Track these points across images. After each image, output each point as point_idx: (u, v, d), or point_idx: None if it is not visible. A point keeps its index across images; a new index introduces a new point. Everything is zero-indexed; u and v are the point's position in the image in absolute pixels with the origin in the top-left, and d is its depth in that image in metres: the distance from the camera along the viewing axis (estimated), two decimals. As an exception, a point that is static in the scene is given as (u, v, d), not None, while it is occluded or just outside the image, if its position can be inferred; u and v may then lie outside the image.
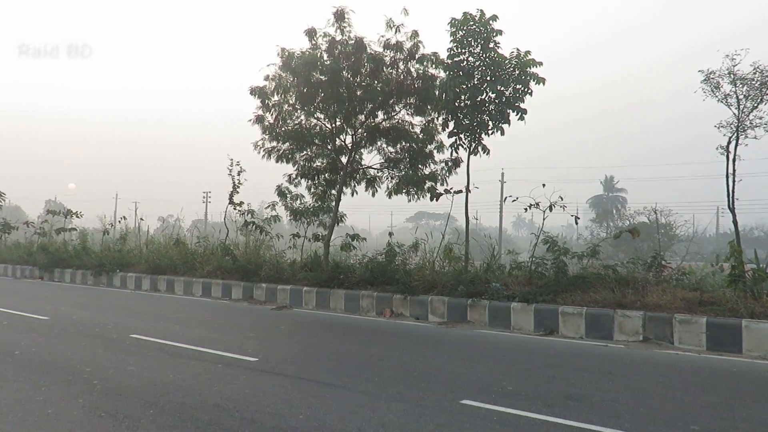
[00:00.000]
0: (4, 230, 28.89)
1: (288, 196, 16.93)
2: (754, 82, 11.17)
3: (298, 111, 15.91)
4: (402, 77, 14.86)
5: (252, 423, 5.26)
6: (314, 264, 15.88)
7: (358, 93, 15.01)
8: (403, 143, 15.78)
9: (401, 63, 14.95)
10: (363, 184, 16.77)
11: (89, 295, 17.19)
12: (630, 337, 10.03)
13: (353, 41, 14.71)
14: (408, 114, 15.71)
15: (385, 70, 14.91)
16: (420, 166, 15.70)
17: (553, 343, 9.92)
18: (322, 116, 15.93)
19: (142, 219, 26.03)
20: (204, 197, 72.43)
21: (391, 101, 15.23)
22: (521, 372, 7.69)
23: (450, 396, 6.25)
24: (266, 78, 15.63)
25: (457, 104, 13.66)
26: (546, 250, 12.51)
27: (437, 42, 15.32)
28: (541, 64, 13.03)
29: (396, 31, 14.68)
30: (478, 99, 13.36)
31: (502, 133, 13.59)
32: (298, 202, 16.90)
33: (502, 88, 13.21)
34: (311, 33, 15.05)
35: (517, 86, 13.21)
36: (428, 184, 15.52)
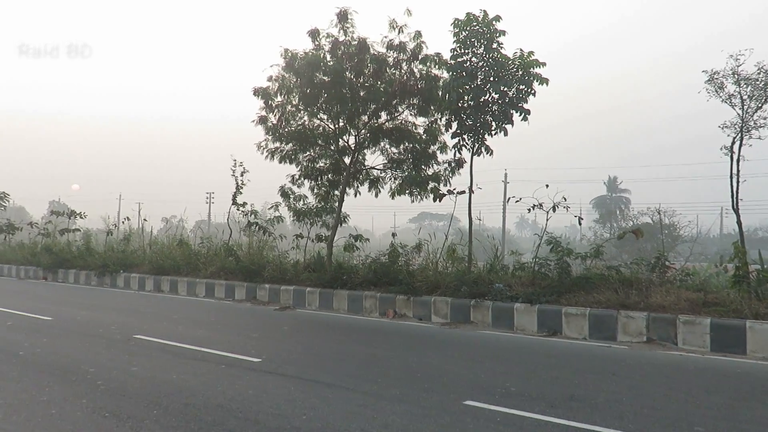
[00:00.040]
0: (8, 231, 28.97)
1: (291, 196, 16.92)
2: (758, 83, 11.16)
3: (302, 112, 15.93)
4: (405, 78, 14.87)
5: (255, 423, 5.26)
6: (317, 265, 15.89)
7: (362, 94, 15.02)
8: (406, 144, 15.78)
9: (404, 63, 14.96)
10: (366, 185, 16.78)
11: (93, 295, 17.23)
12: (634, 338, 10.01)
13: (356, 42, 14.72)
14: (411, 115, 15.72)
15: (388, 70, 14.92)
16: (423, 166, 15.69)
17: (557, 344, 9.90)
18: (325, 117, 15.94)
19: (145, 220, 26.07)
20: (207, 198, 72.59)
21: (394, 102, 15.25)
22: (524, 373, 7.68)
23: (453, 397, 6.25)
24: (269, 79, 15.66)
25: (460, 105, 13.65)
26: (549, 250, 12.49)
27: (440, 42, 15.34)
28: (544, 64, 13.03)
29: (399, 32, 14.69)
30: (481, 100, 13.36)
31: (506, 134, 13.58)
32: (302, 202, 16.89)
33: (506, 89, 13.20)
34: (314, 34, 15.06)
35: (521, 87, 13.20)
36: (431, 184, 15.51)
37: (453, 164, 15.47)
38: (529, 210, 12.91)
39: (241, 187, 18.71)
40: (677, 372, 7.85)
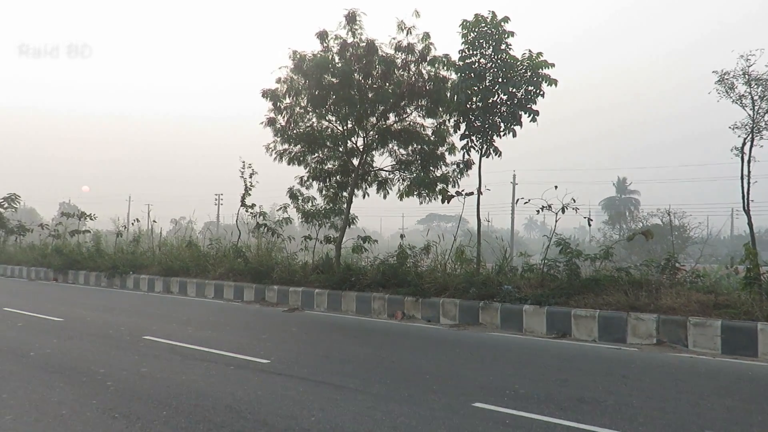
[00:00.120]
0: (19, 232, 29.24)
1: (300, 198, 16.98)
2: (769, 83, 11.07)
3: (310, 113, 15.97)
4: (413, 79, 14.87)
5: (264, 425, 5.27)
6: (326, 266, 15.91)
7: (370, 95, 15.03)
8: (415, 145, 15.77)
9: (413, 65, 14.96)
10: (374, 186, 16.79)
11: (102, 296, 17.33)
12: (643, 340, 9.94)
13: (365, 43, 14.74)
14: (419, 116, 15.71)
15: (396, 72, 14.93)
16: (431, 168, 15.68)
17: (566, 346, 9.86)
18: (333, 118, 15.96)
19: (154, 221, 26.17)
20: (216, 199, 72.84)
21: (403, 103, 15.25)
22: (534, 375, 7.65)
23: (462, 398, 6.23)
24: (278, 80, 15.71)
25: (468, 106, 13.63)
26: (558, 252, 12.45)
27: (449, 44, 15.31)
28: (553, 65, 12.99)
29: (407, 33, 14.70)
30: (490, 101, 13.34)
31: (514, 135, 13.55)
32: (310, 204, 16.94)
33: (514, 90, 13.18)
34: (323, 35, 15.10)
35: (529, 88, 13.16)
36: (440, 186, 15.48)
37: (461, 166, 15.43)
38: (538, 211, 12.87)
39: (250, 189, 18.78)
40: (688, 374, 7.79)
